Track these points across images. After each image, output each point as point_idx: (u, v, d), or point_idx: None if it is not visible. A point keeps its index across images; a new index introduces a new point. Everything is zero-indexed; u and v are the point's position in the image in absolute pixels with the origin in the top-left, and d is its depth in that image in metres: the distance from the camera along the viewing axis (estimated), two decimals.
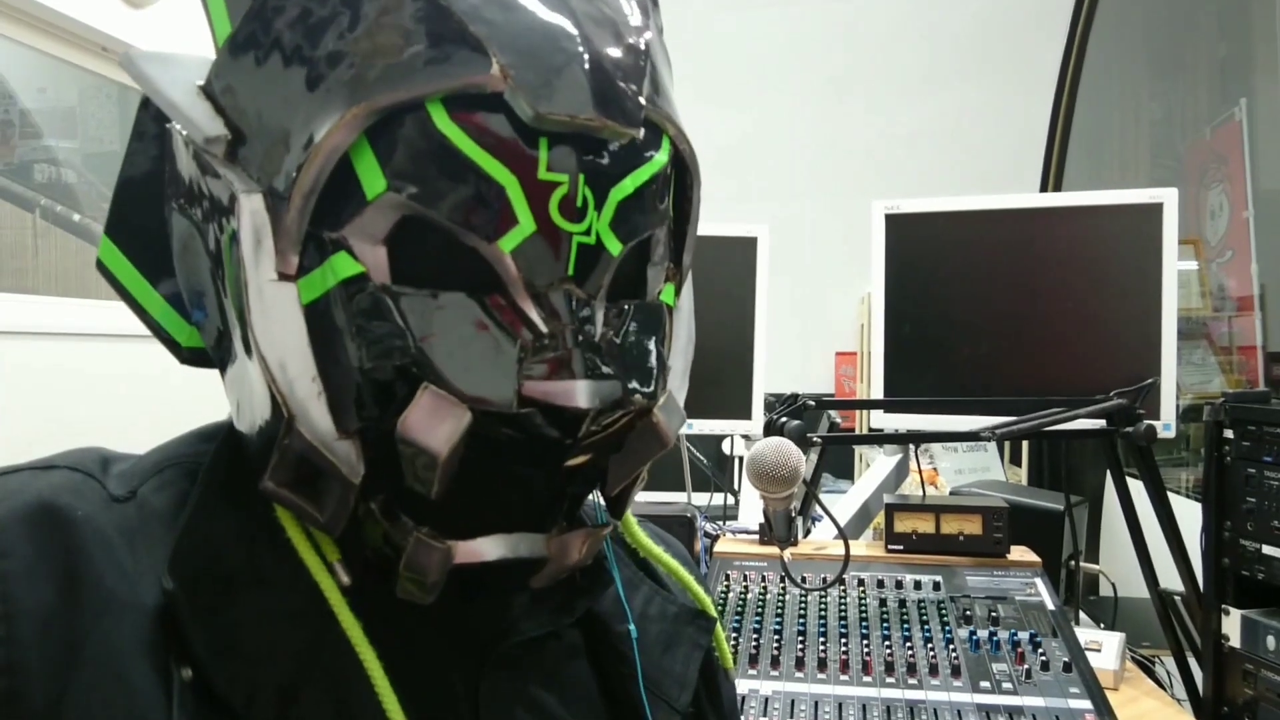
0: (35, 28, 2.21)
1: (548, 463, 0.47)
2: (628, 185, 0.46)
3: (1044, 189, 3.66)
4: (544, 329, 0.44)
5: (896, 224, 1.57)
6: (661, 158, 0.48)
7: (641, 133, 0.46)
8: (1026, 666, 1.12)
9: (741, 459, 2.07)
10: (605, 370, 0.45)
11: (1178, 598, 1.36)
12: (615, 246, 0.46)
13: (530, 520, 0.48)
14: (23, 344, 2.04)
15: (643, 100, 0.46)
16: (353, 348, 0.43)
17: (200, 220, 0.49)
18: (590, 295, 0.46)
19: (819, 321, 4.03)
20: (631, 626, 0.60)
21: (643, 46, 0.47)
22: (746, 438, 1.81)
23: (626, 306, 0.48)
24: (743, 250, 1.69)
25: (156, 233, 0.55)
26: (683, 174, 0.51)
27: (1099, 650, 1.31)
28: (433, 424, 0.42)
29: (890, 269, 1.57)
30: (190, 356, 0.58)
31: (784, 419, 1.24)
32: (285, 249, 0.43)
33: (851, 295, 4.03)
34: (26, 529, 0.44)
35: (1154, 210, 1.43)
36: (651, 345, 0.50)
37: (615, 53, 0.45)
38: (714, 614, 0.66)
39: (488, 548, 0.46)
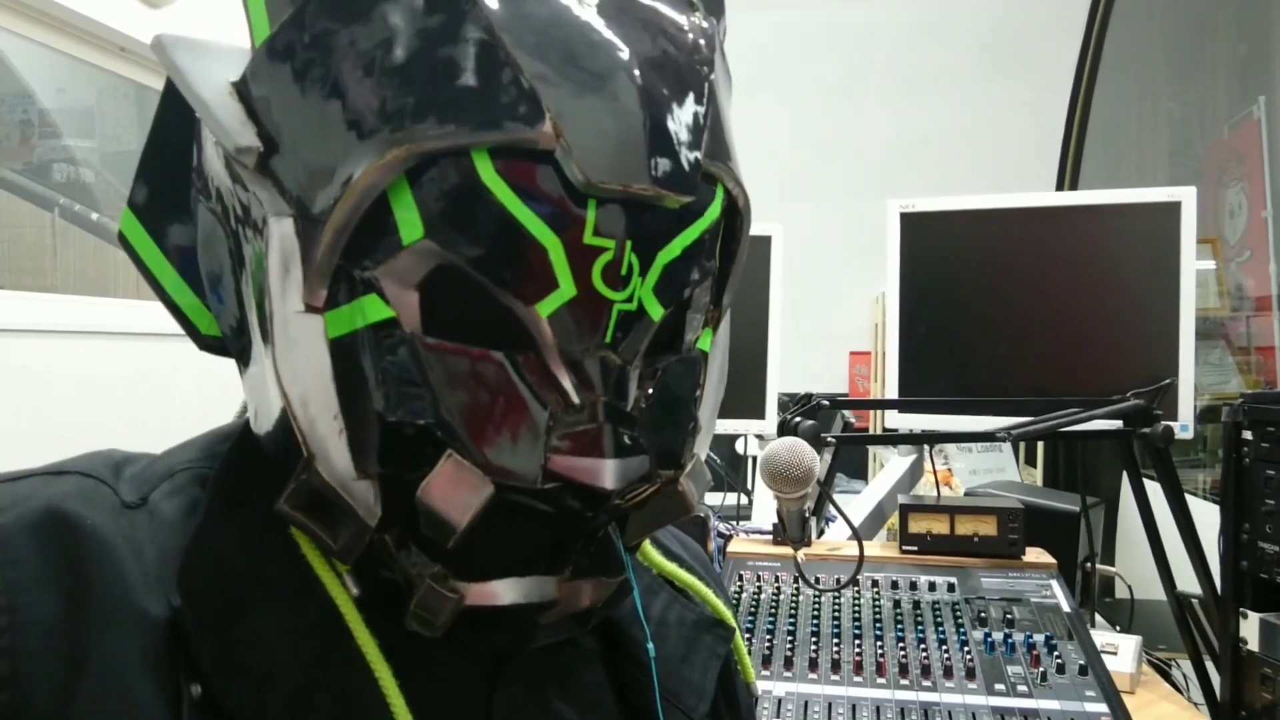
0: (54, 28, 2.23)
1: (567, 528, 0.46)
2: (675, 248, 0.44)
3: (1060, 188, 3.64)
4: (575, 400, 0.42)
5: (912, 223, 1.56)
6: (714, 212, 0.46)
7: (692, 199, 0.43)
8: (1042, 669, 1.11)
9: (755, 459, 2.07)
10: (634, 445, 0.43)
11: (1195, 600, 1.35)
12: (657, 312, 0.44)
13: (543, 564, 0.47)
14: (42, 342, 2.05)
15: (700, 160, 0.43)
16: (379, 395, 0.42)
17: (226, 221, 0.47)
18: (626, 362, 0.44)
19: (832, 321, 4.02)
20: (649, 637, 0.58)
21: (706, 92, 0.44)
22: (760, 437, 1.81)
23: (660, 367, 0.47)
24: (757, 250, 1.69)
25: (182, 210, 0.53)
26: (733, 217, 0.49)
27: (1115, 653, 1.30)
28: (454, 495, 0.41)
29: (905, 268, 1.57)
30: (209, 343, 0.56)
31: (798, 419, 1.23)
32: (314, 281, 0.42)
33: (865, 294, 4.03)
34: (34, 538, 0.43)
35: (1172, 209, 1.42)
36: (683, 408, 0.49)
37: (676, 108, 0.42)
38: (733, 624, 0.65)
39: (500, 591, 0.45)
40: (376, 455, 0.42)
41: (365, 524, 0.43)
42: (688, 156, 0.43)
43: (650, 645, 0.58)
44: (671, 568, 0.64)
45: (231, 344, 0.51)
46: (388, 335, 0.42)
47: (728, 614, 0.65)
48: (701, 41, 0.45)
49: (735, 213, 0.49)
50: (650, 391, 0.46)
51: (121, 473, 0.49)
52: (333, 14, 0.42)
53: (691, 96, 0.43)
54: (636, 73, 0.42)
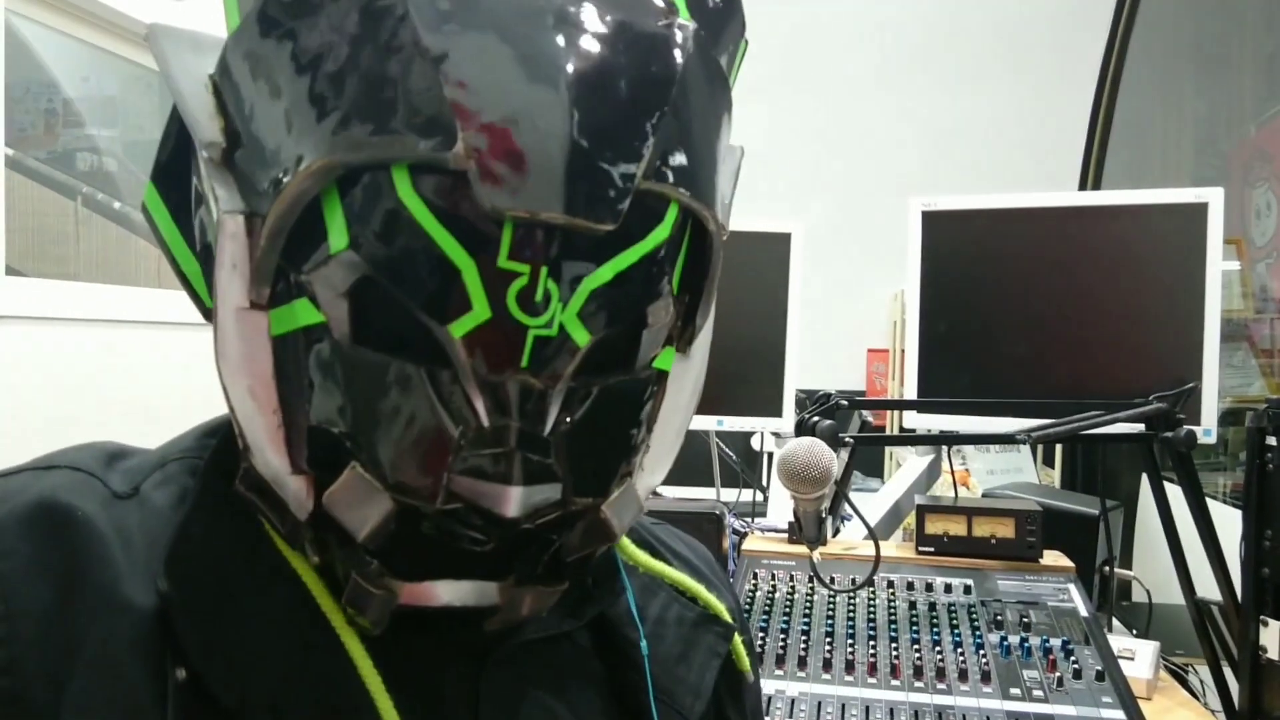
0: (78, 18, 2.24)
1: (484, 542, 0.45)
2: (604, 274, 0.42)
3: (1083, 187, 3.60)
4: (486, 423, 0.42)
5: (933, 222, 1.55)
6: (659, 234, 0.43)
7: (615, 226, 0.41)
8: (1058, 674, 1.10)
9: (771, 455, 2.06)
10: (544, 472, 0.43)
11: (1215, 607, 1.33)
12: (583, 337, 0.42)
13: (484, 568, 0.46)
14: (64, 330, 2.07)
15: (634, 182, 0.40)
16: (306, 397, 0.43)
17: (206, 207, 0.48)
18: (547, 386, 0.42)
19: (851, 318, 4.00)
20: (642, 637, 0.58)
21: (659, 107, 0.41)
22: (776, 435, 1.80)
23: (595, 390, 0.45)
24: (777, 246, 1.68)
25: (191, 187, 0.54)
26: (699, 234, 0.47)
27: (1132, 658, 1.29)
28: (352, 506, 0.42)
29: (926, 267, 1.55)
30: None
31: (816, 418, 1.23)
32: (257, 280, 0.42)
33: (884, 291, 4.00)
34: (26, 529, 0.44)
35: (1198, 210, 1.40)
36: (618, 431, 0.47)
37: (615, 127, 0.40)
38: (729, 619, 0.64)
39: (437, 592, 0.45)
40: (307, 452, 0.43)
41: (297, 518, 0.44)
42: (617, 182, 0.40)
43: (643, 639, 0.58)
44: (659, 566, 0.63)
45: None
46: (317, 339, 0.42)
47: (721, 608, 0.63)
48: (667, 49, 0.43)
49: (702, 230, 0.47)
50: (581, 414, 0.44)
51: (114, 464, 0.50)
52: (282, 10, 0.42)
53: (639, 113, 0.41)
54: (569, 90, 0.39)
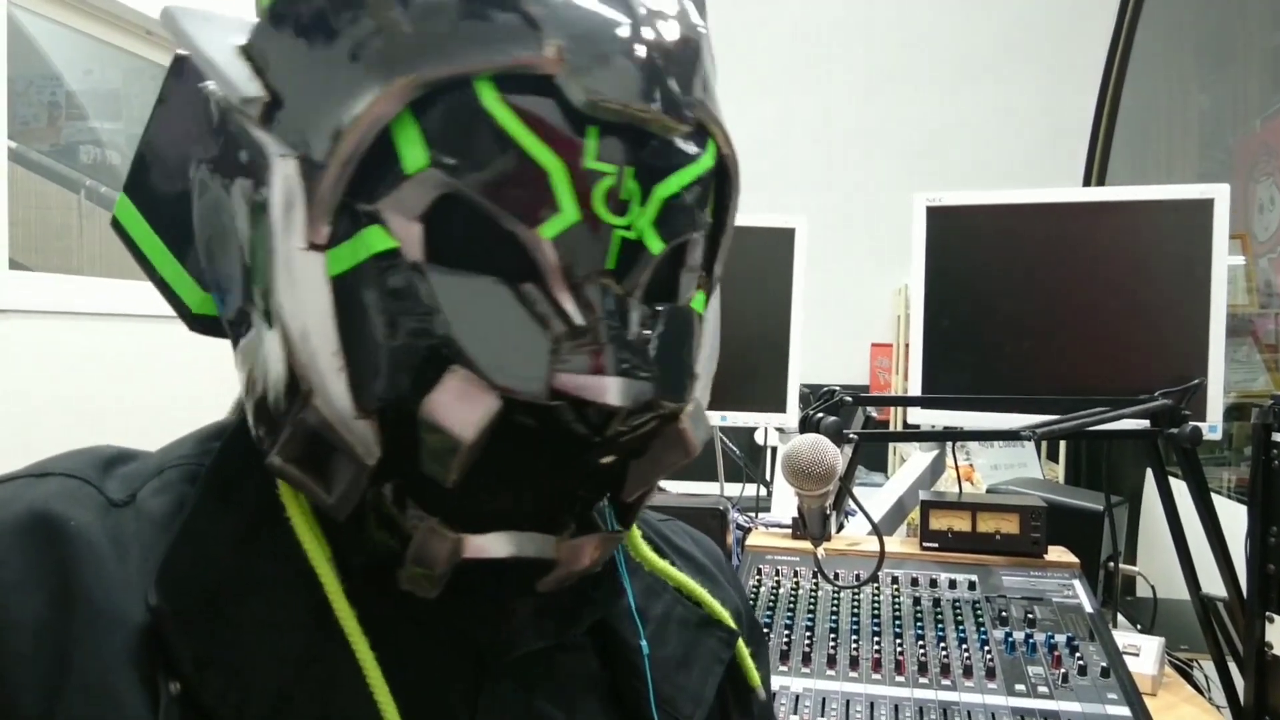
0: (82, 11, 2.24)
1: (571, 460, 0.46)
2: (673, 184, 0.45)
3: (1087, 183, 3.60)
4: (579, 321, 0.43)
5: (938, 217, 1.55)
6: (708, 160, 0.47)
7: (689, 129, 0.45)
8: (1063, 670, 1.10)
9: (775, 450, 2.06)
10: (638, 370, 0.44)
11: (1220, 603, 1.33)
12: (656, 245, 0.45)
13: (541, 520, 0.47)
14: (68, 324, 2.07)
15: (694, 98, 0.45)
16: (380, 324, 0.42)
17: (227, 184, 0.47)
18: (627, 292, 0.45)
19: (854, 313, 4.00)
20: (643, 639, 0.58)
21: (696, 43, 0.46)
22: (780, 430, 1.80)
23: (660, 309, 0.47)
24: (780, 241, 1.68)
25: (176, 197, 0.54)
26: (723, 182, 0.50)
27: (1137, 654, 1.29)
28: (459, 408, 0.42)
29: (930, 263, 1.55)
30: (199, 324, 0.57)
31: (820, 415, 1.22)
32: (317, 218, 0.42)
33: (887, 286, 4.00)
34: (19, 540, 0.44)
35: (1204, 206, 1.40)
36: (683, 351, 0.49)
37: (669, 46, 0.44)
38: (734, 626, 0.63)
39: (496, 544, 0.45)
40: (377, 390, 0.43)
41: (364, 464, 0.43)
42: (684, 91, 0.44)
43: (644, 642, 0.57)
44: (662, 564, 0.62)
45: (226, 318, 0.51)
46: (390, 265, 0.42)
47: (724, 614, 0.63)
48: (692, 6, 0.48)
49: (726, 179, 0.50)
50: (651, 332, 0.47)
51: (111, 470, 0.50)
52: None
53: (685, 39, 0.45)
54: (632, 11, 0.44)
